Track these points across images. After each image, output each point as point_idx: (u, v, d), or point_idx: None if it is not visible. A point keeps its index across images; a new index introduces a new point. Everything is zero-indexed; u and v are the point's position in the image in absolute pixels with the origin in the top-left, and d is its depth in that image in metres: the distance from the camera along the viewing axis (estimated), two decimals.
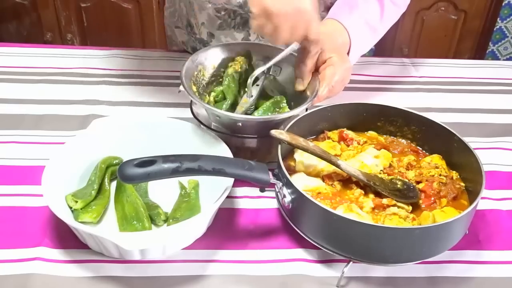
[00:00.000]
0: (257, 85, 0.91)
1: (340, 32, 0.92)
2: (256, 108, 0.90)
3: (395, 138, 0.90)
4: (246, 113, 0.88)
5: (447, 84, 1.19)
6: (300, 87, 0.87)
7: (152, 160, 0.67)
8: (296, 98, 0.88)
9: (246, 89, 0.88)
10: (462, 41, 2.35)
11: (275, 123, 0.84)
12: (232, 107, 0.90)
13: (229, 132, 0.87)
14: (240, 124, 0.83)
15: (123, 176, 0.66)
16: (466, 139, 0.80)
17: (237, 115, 0.85)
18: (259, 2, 0.75)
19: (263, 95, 0.93)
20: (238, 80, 0.93)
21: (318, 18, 0.79)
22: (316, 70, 0.88)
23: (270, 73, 0.94)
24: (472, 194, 0.77)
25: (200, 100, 0.84)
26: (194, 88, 0.89)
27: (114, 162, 0.85)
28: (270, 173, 0.72)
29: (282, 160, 0.75)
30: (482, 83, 1.20)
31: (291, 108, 0.89)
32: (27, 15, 2.29)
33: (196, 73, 0.91)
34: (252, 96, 0.89)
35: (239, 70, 0.93)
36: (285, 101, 0.90)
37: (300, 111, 0.83)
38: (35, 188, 0.83)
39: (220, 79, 0.94)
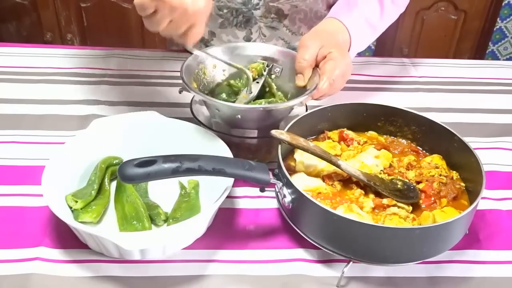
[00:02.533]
0: (257, 82, 0.91)
1: (340, 31, 0.92)
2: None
3: (395, 138, 0.90)
4: None
5: (447, 84, 1.19)
6: (300, 82, 0.87)
7: (152, 160, 0.67)
8: (298, 96, 0.88)
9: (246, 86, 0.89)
10: (462, 41, 2.35)
11: (275, 117, 0.83)
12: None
13: (228, 128, 0.87)
14: (239, 116, 0.83)
15: (123, 176, 0.66)
16: (466, 139, 0.80)
17: (236, 104, 0.85)
18: None
19: (264, 94, 0.93)
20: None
21: (204, 22, 0.76)
22: (316, 66, 0.88)
23: (272, 72, 0.94)
24: (472, 194, 0.77)
25: (201, 93, 0.84)
26: (195, 85, 0.89)
27: (114, 162, 0.85)
28: (270, 173, 0.72)
29: (282, 160, 0.75)
30: (482, 83, 1.20)
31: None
32: (27, 15, 2.29)
33: (197, 70, 0.91)
34: (251, 92, 0.89)
35: (256, 77, 0.93)
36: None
37: (298, 102, 0.83)
38: (35, 188, 0.83)
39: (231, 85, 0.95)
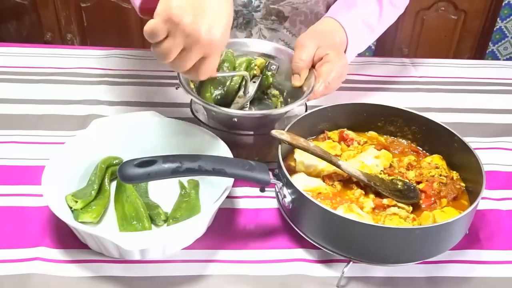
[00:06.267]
0: (254, 82, 0.92)
1: (337, 31, 0.93)
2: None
3: (395, 138, 0.90)
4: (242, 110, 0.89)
5: (447, 84, 1.19)
6: (297, 83, 0.87)
7: (152, 160, 0.67)
8: (293, 95, 0.88)
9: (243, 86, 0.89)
10: (462, 41, 2.35)
11: (271, 119, 0.84)
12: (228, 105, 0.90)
13: (225, 129, 0.87)
14: (235, 119, 0.83)
15: (123, 176, 0.66)
16: (466, 139, 0.80)
17: (233, 110, 0.85)
18: (166, 5, 0.64)
19: (260, 92, 0.93)
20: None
21: (219, 57, 0.70)
22: (313, 67, 0.88)
23: (268, 69, 0.94)
24: (473, 194, 0.77)
25: (198, 96, 0.83)
26: (192, 85, 0.88)
27: (114, 162, 0.85)
28: (270, 173, 0.72)
29: (283, 160, 0.75)
30: (482, 83, 1.20)
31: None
32: (27, 15, 2.29)
33: None
34: (248, 93, 0.89)
35: (258, 74, 0.93)
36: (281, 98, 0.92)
37: (295, 106, 0.83)
38: (35, 188, 0.82)
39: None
